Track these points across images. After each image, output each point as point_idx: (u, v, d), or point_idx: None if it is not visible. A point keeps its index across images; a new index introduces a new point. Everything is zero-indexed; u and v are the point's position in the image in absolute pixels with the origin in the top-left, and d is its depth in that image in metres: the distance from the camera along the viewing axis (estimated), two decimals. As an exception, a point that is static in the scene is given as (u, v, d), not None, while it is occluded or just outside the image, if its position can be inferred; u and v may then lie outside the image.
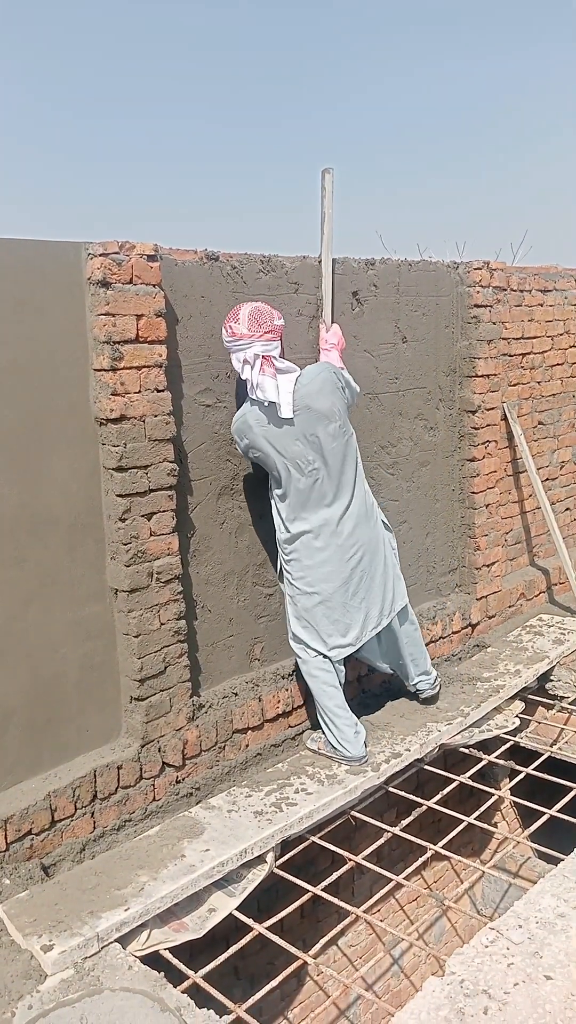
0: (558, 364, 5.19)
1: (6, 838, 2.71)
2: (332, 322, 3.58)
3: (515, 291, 4.66)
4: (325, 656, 3.42)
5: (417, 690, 3.87)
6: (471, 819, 3.26)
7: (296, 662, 3.55)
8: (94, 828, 2.96)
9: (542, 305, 4.93)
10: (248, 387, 3.17)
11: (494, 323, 4.43)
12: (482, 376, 4.40)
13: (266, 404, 3.15)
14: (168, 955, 2.56)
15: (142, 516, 3.00)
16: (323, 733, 3.51)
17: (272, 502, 3.38)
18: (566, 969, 2.24)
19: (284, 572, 3.45)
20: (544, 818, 3.19)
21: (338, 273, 3.67)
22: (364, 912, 2.89)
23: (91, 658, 3.02)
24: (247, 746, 3.46)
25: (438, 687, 3.91)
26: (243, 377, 3.17)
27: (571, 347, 5.29)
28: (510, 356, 4.69)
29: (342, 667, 3.51)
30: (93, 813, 2.95)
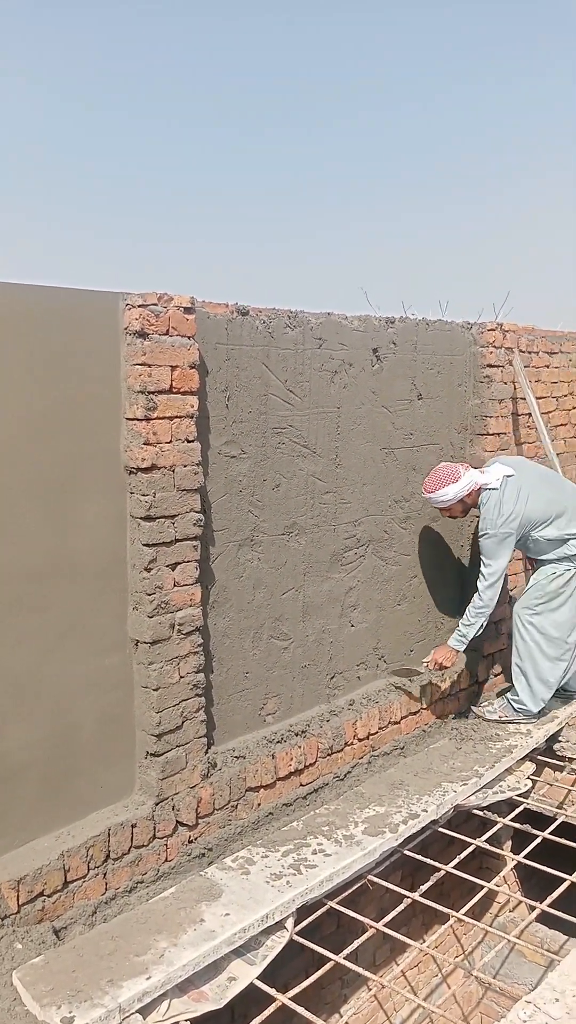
0: (561, 425, 5.28)
1: (18, 899, 2.61)
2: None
3: (524, 352, 4.75)
4: None
5: None
6: (490, 885, 3.19)
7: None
8: (106, 889, 2.86)
9: (548, 367, 5.02)
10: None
11: (505, 383, 4.50)
12: (493, 434, 4.46)
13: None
14: (187, 1028, 2.46)
15: (167, 566, 2.97)
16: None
17: None
18: (606, 1047, 2.18)
19: None
20: (565, 885, 3.13)
21: (359, 330, 3.72)
22: (372, 976, 2.80)
23: (109, 711, 2.95)
24: (259, 805, 3.38)
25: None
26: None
27: (574, 408, 5.38)
28: (518, 416, 4.75)
29: None
30: (106, 874, 2.86)
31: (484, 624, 4.09)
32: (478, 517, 4.11)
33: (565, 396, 5.23)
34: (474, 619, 4.04)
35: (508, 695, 4.34)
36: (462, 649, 4.11)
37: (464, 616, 4.07)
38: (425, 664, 4.11)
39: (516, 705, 4.27)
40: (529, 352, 4.82)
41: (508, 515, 3.95)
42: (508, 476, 4.00)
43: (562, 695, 4.49)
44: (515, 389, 4.62)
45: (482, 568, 4.04)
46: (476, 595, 4.04)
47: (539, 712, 4.29)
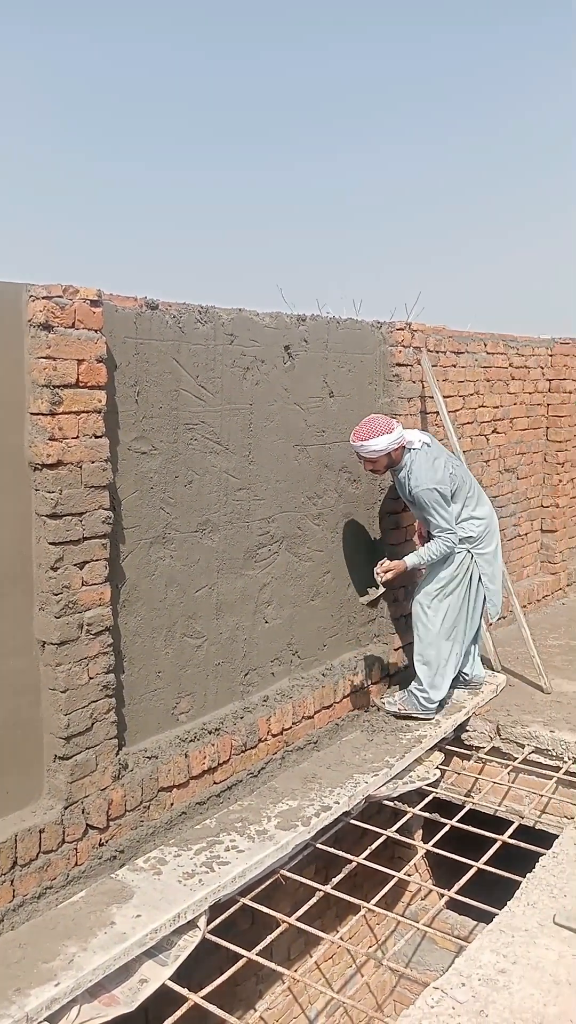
0: (468, 423, 5.41)
1: None
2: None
3: (432, 352, 4.85)
4: None
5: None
6: (400, 874, 3.25)
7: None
8: (13, 897, 2.78)
9: (455, 366, 5.14)
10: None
11: (414, 382, 4.59)
12: (402, 432, 4.52)
13: None
14: (98, 1033, 2.42)
15: (75, 565, 2.90)
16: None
17: None
18: (510, 1025, 2.25)
19: None
20: (472, 871, 3.22)
21: (271, 327, 3.73)
22: (285, 971, 2.82)
23: (14, 714, 2.87)
24: (172, 804, 3.35)
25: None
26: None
27: (480, 407, 5.53)
28: (427, 414, 4.85)
29: None
30: (13, 881, 2.77)
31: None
32: (401, 482, 4.16)
33: (471, 395, 5.37)
34: (438, 555, 4.13)
35: (412, 686, 4.38)
36: (411, 569, 4.19)
37: (434, 546, 4.12)
38: (377, 574, 4.15)
39: (421, 696, 4.30)
40: (437, 352, 4.93)
41: (444, 467, 4.10)
42: (426, 443, 4.12)
43: (464, 684, 4.61)
44: (423, 388, 4.71)
45: (438, 521, 4.07)
46: (444, 540, 4.10)
47: (441, 702, 4.37)
